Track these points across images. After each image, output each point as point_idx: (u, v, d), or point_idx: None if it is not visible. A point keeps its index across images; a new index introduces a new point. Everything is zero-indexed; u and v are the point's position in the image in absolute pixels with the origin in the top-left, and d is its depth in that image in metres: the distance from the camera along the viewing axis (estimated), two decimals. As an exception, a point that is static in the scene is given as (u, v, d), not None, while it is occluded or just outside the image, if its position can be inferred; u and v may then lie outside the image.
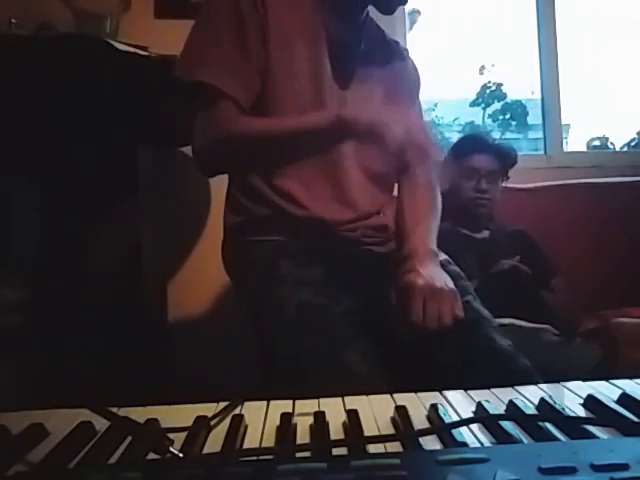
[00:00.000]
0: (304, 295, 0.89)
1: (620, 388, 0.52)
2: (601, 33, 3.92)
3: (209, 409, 0.50)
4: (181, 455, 0.39)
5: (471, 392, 0.54)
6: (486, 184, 1.59)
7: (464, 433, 0.42)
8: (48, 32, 1.27)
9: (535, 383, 0.58)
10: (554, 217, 1.81)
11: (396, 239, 1.03)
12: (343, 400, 0.53)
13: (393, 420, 0.48)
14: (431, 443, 0.42)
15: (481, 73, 3.87)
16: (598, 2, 3.41)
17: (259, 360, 1.00)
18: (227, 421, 0.47)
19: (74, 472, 0.39)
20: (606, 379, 0.56)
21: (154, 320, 1.55)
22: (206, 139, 0.93)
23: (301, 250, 0.96)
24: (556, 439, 0.40)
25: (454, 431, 0.42)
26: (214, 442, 0.44)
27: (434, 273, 0.90)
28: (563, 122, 2.21)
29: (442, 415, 0.46)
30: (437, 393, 0.54)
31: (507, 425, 0.42)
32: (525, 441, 0.41)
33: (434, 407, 0.48)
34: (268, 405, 0.52)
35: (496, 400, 0.52)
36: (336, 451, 0.40)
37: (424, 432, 0.43)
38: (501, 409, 0.49)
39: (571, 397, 0.52)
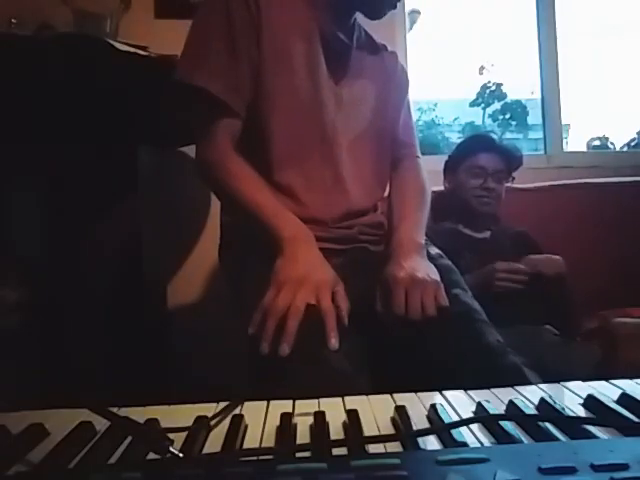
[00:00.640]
0: None
1: (620, 388, 0.52)
2: (601, 33, 3.92)
3: (209, 409, 0.50)
4: (181, 455, 0.39)
5: (471, 392, 0.54)
6: (492, 183, 1.60)
7: (464, 433, 0.42)
8: (48, 32, 1.27)
9: (525, 382, 0.58)
10: (554, 217, 1.81)
11: (385, 235, 1.04)
12: (343, 400, 0.53)
13: (393, 420, 0.48)
14: (431, 443, 0.42)
15: (481, 73, 3.88)
16: (598, 2, 3.41)
17: (249, 360, 1.00)
18: (227, 421, 0.47)
19: (74, 472, 0.39)
20: (606, 379, 0.56)
21: (154, 320, 1.55)
22: (200, 158, 0.95)
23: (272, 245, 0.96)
24: (556, 439, 0.40)
25: (454, 431, 0.42)
26: (214, 442, 0.44)
27: (417, 264, 0.91)
28: (563, 122, 2.21)
29: (442, 415, 0.46)
30: (437, 393, 0.54)
31: (507, 425, 0.42)
32: (525, 441, 0.41)
33: (434, 407, 0.48)
34: (268, 405, 0.52)
35: (496, 400, 0.52)
36: (336, 451, 0.40)
37: (424, 432, 0.43)
38: (501, 409, 0.49)
39: (571, 397, 0.52)
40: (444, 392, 0.54)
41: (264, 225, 0.88)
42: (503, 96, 3.93)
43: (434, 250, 1.05)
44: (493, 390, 0.54)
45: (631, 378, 0.55)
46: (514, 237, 1.63)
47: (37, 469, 0.39)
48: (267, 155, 0.97)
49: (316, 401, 0.52)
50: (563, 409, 0.47)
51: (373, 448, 0.41)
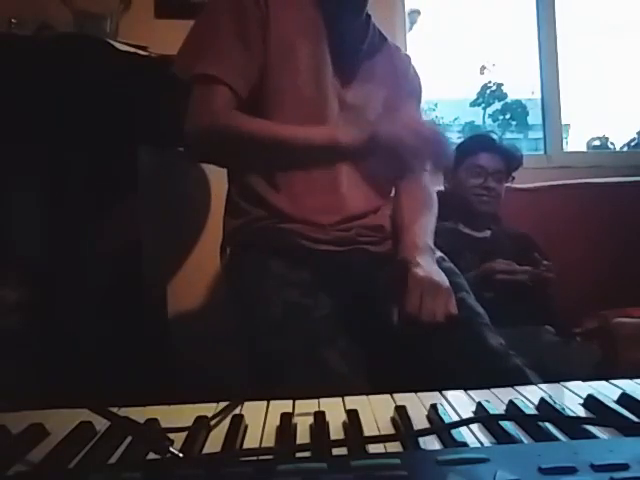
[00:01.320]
0: (292, 296, 0.90)
1: (620, 388, 0.52)
2: (601, 33, 3.93)
3: (209, 409, 0.50)
4: (181, 455, 0.39)
5: (471, 392, 0.54)
6: (492, 182, 1.60)
7: (464, 433, 0.42)
8: (48, 32, 1.27)
9: (527, 383, 0.58)
10: (554, 217, 1.81)
11: (393, 235, 1.04)
12: (343, 400, 0.53)
13: (393, 420, 0.48)
14: (431, 443, 0.42)
15: (481, 73, 3.87)
16: (598, 2, 3.41)
17: (250, 360, 1.00)
18: (227, 421, 0.47)
19: (74, 472, 0.39)
20: (606, 379, 0.56)
21: (154, 320, 1.55)
22: (196, 124, 0.93)
23: (295, 250, 0.96)
24: (556, 439, 0.40)
25: (454, 431, 0.42)
26: (214, 442, 0.44)
27: (432, 268, 0.92)
28: (563, 122, 2.21)
29: (442, 415, 0.46)
30: (437, 393, 0.54)
31: (507, 425, 0.42)
32: (525, 441, 0.41)
33: (434, 407, 0.48)
34: (268, 405, 0.52)
35: (496, 400, 0.52)
36: (336, 451, 0.40)
37: (424, 432, 0.43)
38: (501, 409, 0.48)
39: (571, 397, 0.52)
40: (444, 392, 0.54)
41: (301, 141, 0.87)
42: (503, 96, 3.93)
43: (437, 253, 1.05)
44: (493, 390, 0.54)
45: (631, 378, 0.55)
46: (515, 239, 1.63)
47: (37, 469, 0.39)
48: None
49: (316, 401, 0.52)
50: (563, 409, 0.47)
51: (373, 448, 0.41)
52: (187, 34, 0.96)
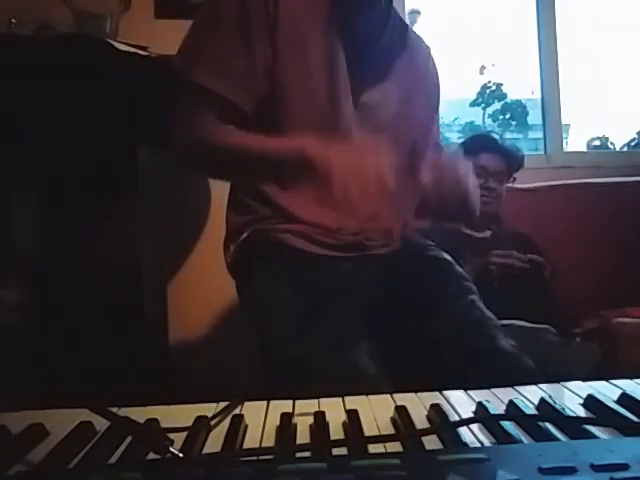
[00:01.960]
0: (306, 297, 0.89)
1: (620, 388, 0.52)
2: (601, 33, 3.92)
3: (209, 409, 0.50)
4: (181, 455, 0.39)
5: (471, 392, 0.54)
6: (493, 183, 1.60)
7: (464, 433, 0.42)
8: (48, 32, 1.27)
9: (539, 383, 0.58)
10: (554, 217, 1.81)
11: (394, 237, 1.03)
12: (343, 400, 0.53)
13: (393, 420, 0.48)
14: (431, 443, 0.42)
15: (481, 73, 3.87)
16: (598, 2, 3.41)
17: (263, 361, 1.00)
18: (227, 421, 0.47)
19: (74, 472, 0.39)
20: (606, 379, 0.56)
21: (154, 319, 1.55)
22: (185, 138, 0.92)
23: (302, 254, 0.96)
24: (556, 439, 0.40)
25: (454, 431, 0.42)
26: (214, 442, 0.44)
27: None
28: (563, 122, 2.21)
29: (442, 415, 0.46)
30: (437, 393, 0.54)
31: (507, 425, 0.42)
32: (525, 441, 0.41)
33: (434, 407, 0.48)
34: (268, 405, 0.52)
35: (496, 400, 0.52)
36: (336, 451, 0.40)
37: (424, 432, 0.43)
38: (501, 409, 0.48)
39: (571, 397, 0.52)
40: (444, 392, 0.54)
41: (282, 154, 0.82)
42: (503, 96, 3.93)
43: (447, 257, 1.05)
44: (493, 390, 0.54)
45: (631, 378, 0.55)
46: (515, 238, 1.63)
47: (37, 469, 0.39)
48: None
49: (316, 401, 0.52)
50: (563, 409, 0.47)
51: (373, 448, 0.41)
52: (186, 34, 0.92)
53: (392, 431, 0.46)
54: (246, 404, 0.52)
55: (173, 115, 0.92)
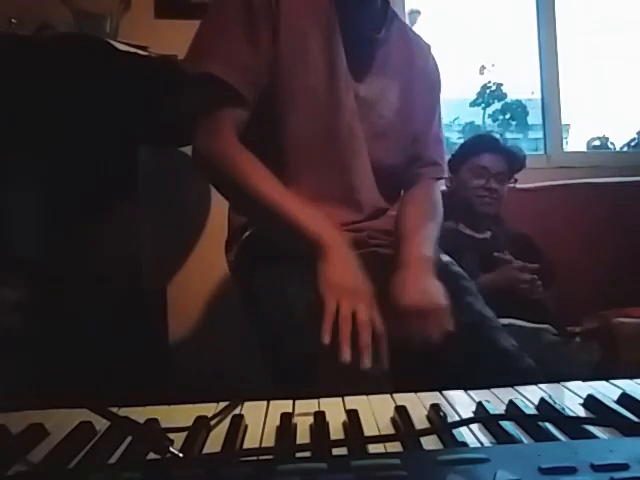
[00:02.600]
0: (310, 294, 0.89)
1: (620, 388, 0.52)
2: (601, 33, 3.92)
3: (209, 409, 0.50)
4: (181, 455, 0.39)
5: (471, 392, 0.54)
6: (494, 184, 1.59)
7: (464, 433, 0.42)
8: (48, 32, 1.27)
9: (539, 383, 0.58)
10: (554, 217, 1.81)
11: (395, 244, 1.03)
12: (343, 400, 0.53)
13: (393, 420, 0.48)
14: (431, 443, 0.42)
15: (481, 73, 3.87)
16: (598, 2, 3.41)
17: (263, 361, 1.00)
18: (227, 421, 0.47)
19: (74, 472, 0.39)
20: (606, 379, 0.56)
21: (154, 319, 1.55)
22: (199, 148, 0.92)
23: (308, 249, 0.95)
24: (556, 439, 0.40)
25: (454, 431, 0.42)
26: (214, 442, 0.44)
27: (424, 285, 0.88)
28: (563, 122, 2.21)
29: (442, 415, 0.46)
30: (437, 393, 0.54)
31: (507, 425, 0.42)
32: (525, 441, 0.41)
33: (434, 407, 0.48)
34: (268, 405, 0.52)
35: (496, 400, 0.52)
36: (336, 451, 0.40)
37: (424, 432, 0.43)
38: (501, 409, 0.48)
39: (571, 397, 0.52)
40: (444, 392, 0.54)
41: (297, 229, 0.84)
42: (503, 96, 3.93)
43: (445, 258, 1.04)
44: (493, 390, 0.54)
45: (631, 378, 0.55)
46: (515, 239, 1.63)
47: (37, 469, 0.39)
48: (279, 157, 0.95)
49: (316, 401, 0.52)
50: (563, 409, 0.47)
51: (373, 448, 0.41)
52: (197, 30, 0.93)
53: (392, 431, 0.46)
54: (246, 404, 0.52)
55: (181, 115, 0.92)
